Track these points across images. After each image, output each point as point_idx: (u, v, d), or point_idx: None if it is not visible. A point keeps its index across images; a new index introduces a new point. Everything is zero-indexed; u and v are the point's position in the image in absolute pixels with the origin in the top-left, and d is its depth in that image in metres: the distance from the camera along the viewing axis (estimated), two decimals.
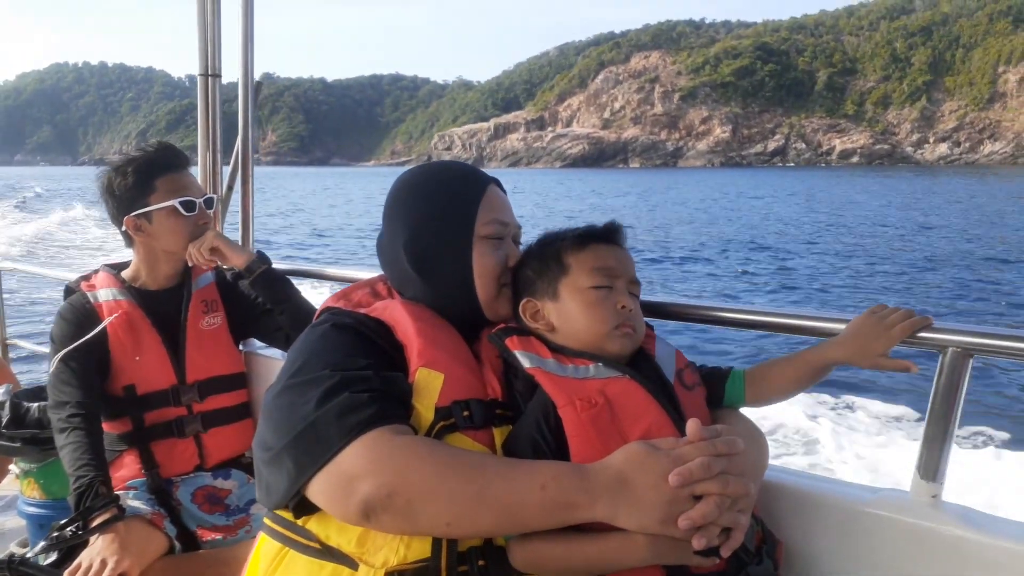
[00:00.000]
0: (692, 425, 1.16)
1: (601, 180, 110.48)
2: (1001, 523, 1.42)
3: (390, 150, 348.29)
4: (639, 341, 1.44)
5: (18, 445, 2.47)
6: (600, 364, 1.36)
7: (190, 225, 2.24)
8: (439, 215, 1.47)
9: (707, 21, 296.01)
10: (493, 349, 1.43)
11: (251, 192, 2.90)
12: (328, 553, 1.27)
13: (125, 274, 2.33)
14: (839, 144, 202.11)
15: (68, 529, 1.88)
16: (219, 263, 2.35)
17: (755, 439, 1.43)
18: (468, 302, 1.47)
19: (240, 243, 2.62)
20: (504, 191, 1.57)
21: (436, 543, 1.24)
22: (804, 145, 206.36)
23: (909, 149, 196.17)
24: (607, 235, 1.50)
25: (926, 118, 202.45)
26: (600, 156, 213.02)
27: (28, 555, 1.88)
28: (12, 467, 2.84)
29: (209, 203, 2.31)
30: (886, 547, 1.47)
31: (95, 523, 1.88)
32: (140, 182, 2.19)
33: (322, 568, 1.27)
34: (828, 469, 6.66)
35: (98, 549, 1.83)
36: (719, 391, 1.53)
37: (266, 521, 1.38)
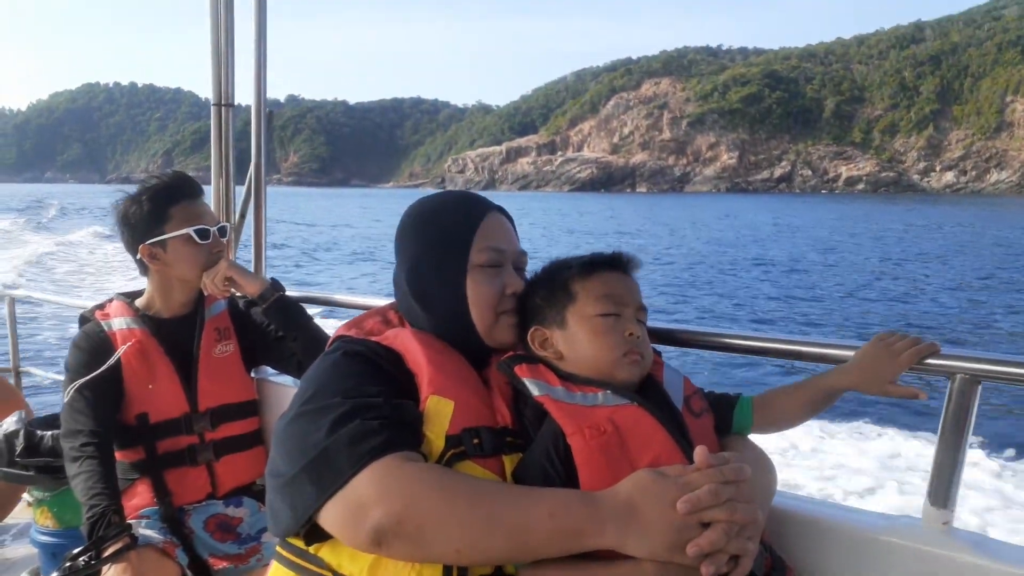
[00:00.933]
0: (700, 452, 1.17)
1: (609, 204, 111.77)
2: (1012, 549, 1.41)
3: (408, 172, 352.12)
4: (647, 368, 1.45)
5: (32, 473, 2.47)
6: (608, 392, 1.37)
7: (204, 253, 2.25)
8: (435, 246, 1.49)
9: (723, 48, 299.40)
10: (502, 377, 1.44)
11: (263, 219, 2.93)
12: None
13: (139, 302, 2.33)
14: (845, 171, 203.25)
15: (81, 559, 1.87)
16: (233, 291, 2.36)
17: (763, 465, 1.44)
18: (466, 331, 1.47)
19: (253, 270, 2.60)
20: (509, 218, 1.58)
21: (447, 571, 1.23)
22: (810, 172, 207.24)
23: (916, 177, 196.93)
24: (613, 263, 1.51)
25: (933, 146, 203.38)
26: (608, 180, 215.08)
27: None
28: (25, 495, 2.84)
29: (223, 231, 2.32)
30: (898, 574, 1.46)
31: (108, 552, 1.88)
32: (155, 211, 2.20)
33: None
34: (834, 495, 6.85)
35: None
36: (727, 418, 1.54)
37: (278, 549, 1.38)
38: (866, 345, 1.49)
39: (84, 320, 2.33)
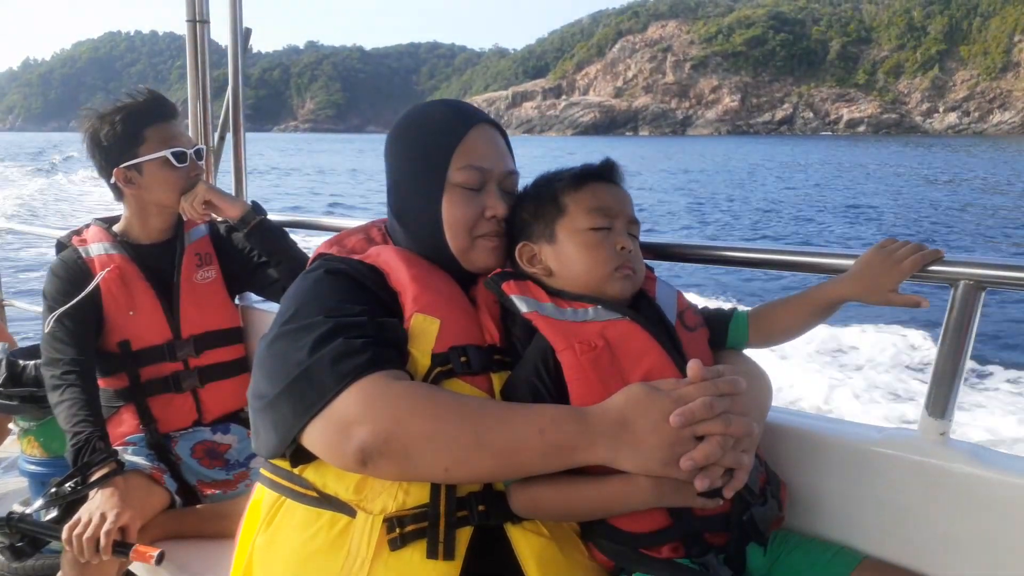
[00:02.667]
0: (693, 365, 1.14)
1: (608, 146, 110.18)
2: (1010, 459, 1.40)
3: None
4: (639, 283, 1.42)
5: (16, 403, 2.47)
6: (599, 307, 1.34)
7: (182, 177, 2.19)
8: (415, 161, 1.44)
9: None
10: (490, 294, 1.40)
11: (243, 141, 2.86)
12: (326, 501, 1.26)
13: (116, 228, 2.28)
14: (847, 113, 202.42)
15: (67, 485, 1.86)
16: (212, 216, 2.30)
17: (758, 379, 1.41)
18: (441, 253, 1.43)
19: (234, 194, 2.49)
20: (502, 132, 1.50)
21: (435, 489, 1.23)
22: (812, 114, 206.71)
23: (918, 119, 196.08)
24: (604, 173, 1.46)
25: (937, 88, 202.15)
26: (611, 124, 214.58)
27: (28, 511, 1.87)
28: (11, 426, 2.84)
29: (199, 154, 2.26)
30: (893, 486, 1.46)
31: (94, 478, 1.86)
32: (129, 132, 2.12)
33: (319, 516, 1.26)
34: (831, 410, 6.81)
35: (97, 503, 1.81)
36: (722, 332, 1.50)
37: (263, 471, 1.37)
38: (867, 252, 1.44)
39: (61, 247, 2.27)
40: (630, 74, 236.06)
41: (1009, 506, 1.34)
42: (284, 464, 1.30)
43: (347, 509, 1.25)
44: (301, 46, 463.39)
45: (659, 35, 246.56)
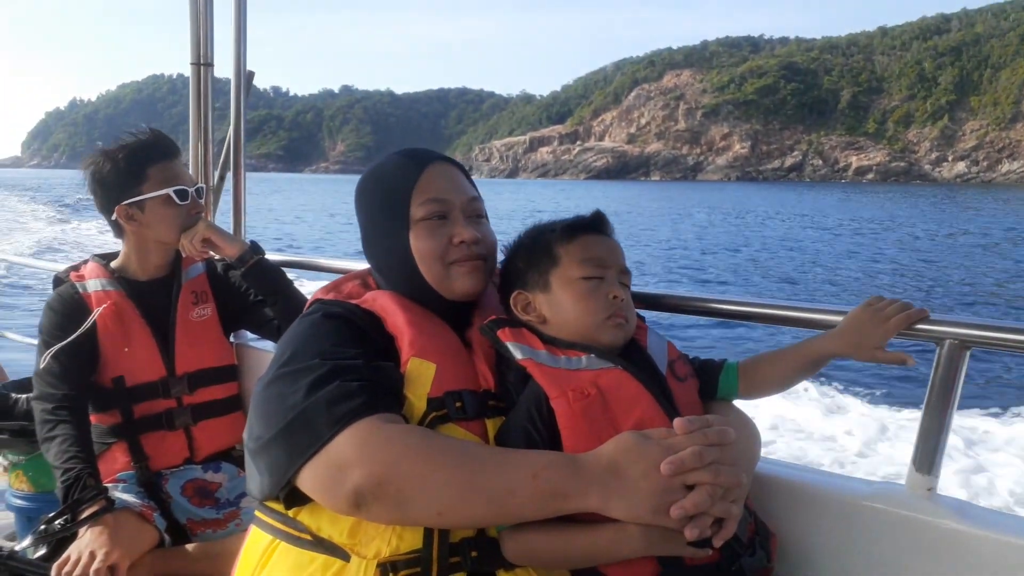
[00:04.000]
0: (679, 423, 1.16)
1: (620, 191, 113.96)
2: (995, 516, 1.43)
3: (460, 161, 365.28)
4: (631, 331, 1.45)
5: (5, 437, 2.44)
6: (592, 355, 1.36)
7: (183, 215, 2.20)
8: (378, 210, 1.48)
9: (765, 37, 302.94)
10: (485, 340, 1.43)
11: (243, 181, 2.90)
12: (319, 544, 1.26)
13: (114, 264, 2.27)
14: (855, 161, 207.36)
15: (57, 522, 1.84)
16: (211, 254, 2.30)
17: (748, 430, 1.43)
18: (422, 290, 1.45)
19: (232, 233, 2.45)
20: (459, 167, 1.55)
21: (428, 534, 1.23)
22: (821, 161, 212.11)
23: (927, 167, 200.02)
24: (596, 225, 1.49)
25: (947, 137, 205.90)
26: (623, 169, 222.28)
27: (16, 549, 1.85)
28: (0, 459, 2.77)
29: (200, 192, 2.28)
30: (882, 540, 1.47)
31: (84, 515, 1.84)
32: (132, 170, 2.14)
33: (313, 560, 1.26)
34: (822, 463, 6.81)
35: (87, 542, 1.80)
36: (713, 383, 1.52)
37: (257, 513, 1.37)
38: (854, 310, 1.47)
39: (58, 282, 2.27)
40: (643, 120, 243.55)
41: (994, 563, 1.35)
42: (278, 507, 1.30)
43: (341, 553, 1.24)
44: (336, 89, 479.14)
45: (674, 83, 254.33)
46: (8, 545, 1.94)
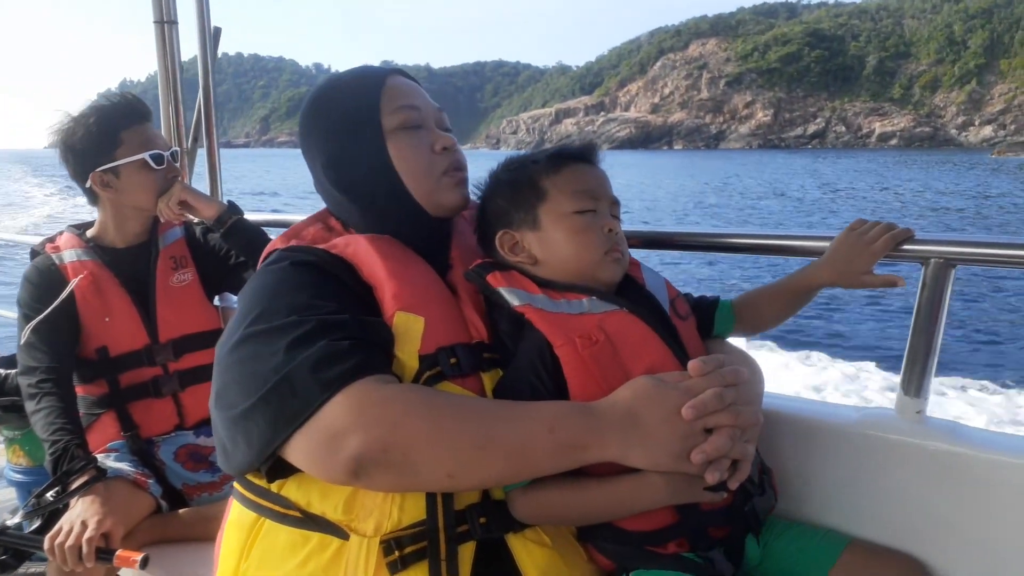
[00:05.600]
0: (695, 364, 1.11)
1: (639, 160, 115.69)
2: (985, 435, 1.43)
3: (485, 134, 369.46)
4: (627, 266, 1.37)
5: None
6: (594, 298, 1.27)
7: (159, 179, 2.15)
8: (343, 125, 1.31)
9: (803, 2, 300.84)
10: (471, 286, 1.31)
11: (215, 142, 2.84)
12: (311, 521, 1.16)
13: (90, 233, 2.24)
14: (879, 127, 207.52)
15: (48, 494, 1.83)
16: (188, 216, 2.27)
17: (751, 367, 1.34)
18: (407, 208, 1.31)
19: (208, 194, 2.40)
20: (413, 79, 1.40)
21: (431, 504, 1.15)
22: (844, 128, 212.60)
23: (953, 132, 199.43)
24: (584, 154, 1.38)
25: (974, 101, 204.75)
26: (646, 138, 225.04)
27: (9, 524, 1.84)
28: None
29: (175, 156, 2.22)
30: (873, 466, 1.47)
31: (74, 486, 1.83)
32: (105, 135, 2.07)
33: (307, 539, 1.16)
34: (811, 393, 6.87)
35: (78, 512, 1.78)
36: (708, 321, 1.48)
37: (238, 487, 1.25)
38: (839, 236, 1.43)
39: (35, 254, 2.24)
40: (667, 90, 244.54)
41: (986, 481, 1.36)
42: (260, 481, 1.19)
43: (337, 530, 1.14)
44: (376, 65, 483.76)
45: (699, 53, 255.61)
46: (3, 519, 1.92)
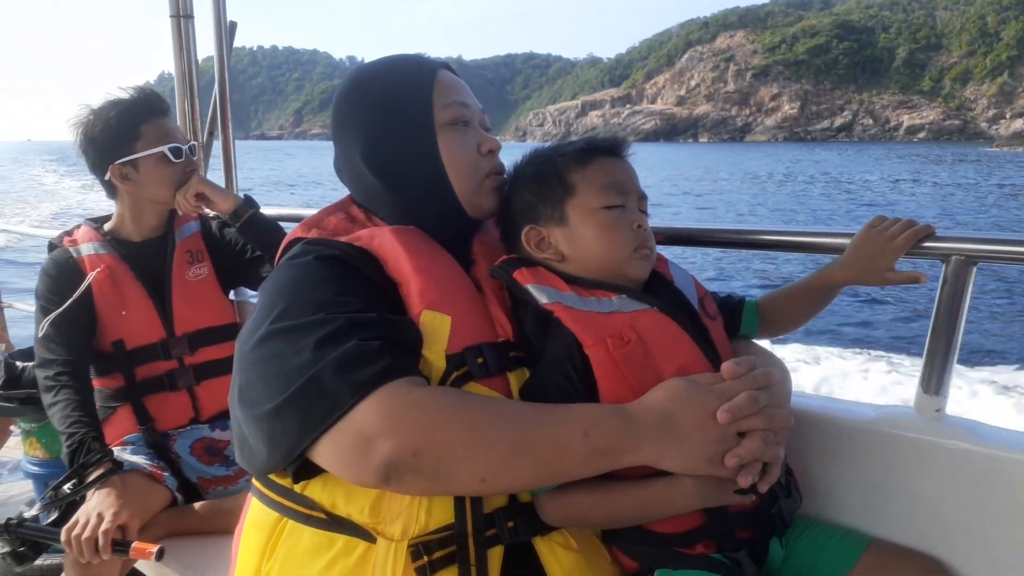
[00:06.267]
0: (728, 366, 1.10)
1: (665, 151, 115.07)
2: (1005, 434, 1.40)
3: (514, 126, 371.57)
4: (655, 262, 1.34)
5: (15, 405, 2.46)
6: (624, 296, 1.24)
7: (178, 172, 2.16)
8: (392, 112, 1.28)
9: None
10: (496, 282, 1.28)
11: (231, 136, 2.86)
12: (337, 524, 1.14)
13: (107, 226, 2.26)
14: (907, 120, 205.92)
15: (65, 487, 1.85)
16: (205, 209, 2.27)
17: (780, 368, 1.32)
18: (446, 203, 1.28)
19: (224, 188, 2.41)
20: (457, 75, 1.36)
21: (459, 507, 1.13)
22: (871, 121, 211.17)
23: (984, 125, 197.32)
24: (612, 148, 1.33)
25: (1005, 93, 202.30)
26: (672, 131, 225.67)
27: (26, 516, 1.85)
28: (13, 428, 2.81)
29: (193, 150, 2.24)
30: (892, 464, 1.46)
31: (91, 478, 1.84)
32: (125, 128, 2.09)
33: (332, 541, 1.13)
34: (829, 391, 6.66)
35: (95, 504, 1.79)
36: (735, 321, 1.46)
37: (256, 485, 1.23)
38: (859, 233, 1.41)
39: (52, 247, 2.26)
40: (693, 83, 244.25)
41: (1006, 480, 1.35)
42: (283, 480, 1.17)
43: (364, 533, 1.12)
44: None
45: (727, 45, 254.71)
46: (28, 511, 1.94)
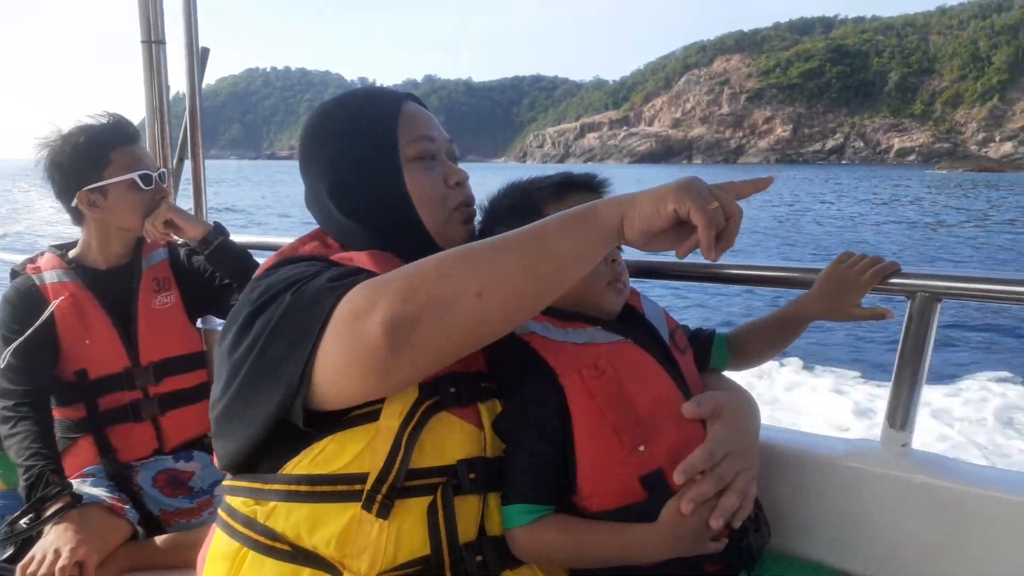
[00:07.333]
0: (688, 405, 1.18)
1: (661, 173, 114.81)
2: (969, 468, 1.44)
3: (520, 147, 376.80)
4: (628, 296, 1.38)
5: None
6: (598, 328, 1.27)
7: (147, 199, 2.11)
8: (357, 149, 1.27)
9: (839, 17, 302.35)
10: None
11: (202, 162, 2.82)
12: (301, 556, 1.08)
13: (72, 253, 2.19)
14: (897, 142, 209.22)
15: (22, 521, 1.80)
16: (173, 236, 2.20)
17: (747, 403, 1.34)
18: (417, 236, 1.27)
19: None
20: (424, 106, 1.36)
21: (435, 538, 1.11)
22: (862, 143, 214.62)
23: (973, 148, 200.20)
24: (588, 183, 1.36)
25: (995, 117, 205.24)
26: (667, 153, 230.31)
27: None
28: None
29: (163, 177, 2.18)
30: (859, 498, 1.48)
31: (48, 513, 1.79)
32: (94, 154, 2.03)
33: (296, 575, 1.08)
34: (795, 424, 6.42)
35: (52, 540, 1.74)
36: (705, 354, 1.49)
37: (222, 514, 1.19)
38: (826, 269, 1.44)
39: (15, 275, 2.19)
40: (689, 105, 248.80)
41: (971, 514, 1.37)
42: (250, 509, 1.12)
43: (329, 567, 1.07)
44: (419, 79, 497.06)
45: (723, 68, 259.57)
46: None
